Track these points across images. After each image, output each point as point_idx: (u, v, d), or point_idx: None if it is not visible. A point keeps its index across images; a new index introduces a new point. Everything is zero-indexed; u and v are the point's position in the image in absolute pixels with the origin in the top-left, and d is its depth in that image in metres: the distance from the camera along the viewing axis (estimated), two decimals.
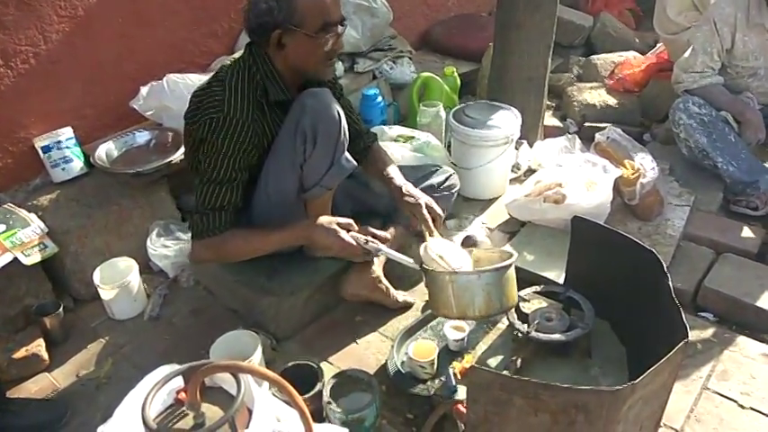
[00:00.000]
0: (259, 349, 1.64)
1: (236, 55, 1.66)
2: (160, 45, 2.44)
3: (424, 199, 1.75)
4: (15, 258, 1.85)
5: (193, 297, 2.09)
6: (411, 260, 1.60)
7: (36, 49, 2.11)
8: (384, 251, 1.64)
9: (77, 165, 2.17)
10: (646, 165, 2.16)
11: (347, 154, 1.66)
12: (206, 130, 1.54)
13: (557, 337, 1.58)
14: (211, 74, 2.38)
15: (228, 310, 2.01)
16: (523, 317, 1.64)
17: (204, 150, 1.56)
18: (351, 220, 1.68)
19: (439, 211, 1.75)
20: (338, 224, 1.64)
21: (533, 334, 1.58)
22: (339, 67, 2.74)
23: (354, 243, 1.63)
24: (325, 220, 1.65)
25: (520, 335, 1.64)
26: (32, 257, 1.88)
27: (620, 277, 1.54)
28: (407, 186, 1.79)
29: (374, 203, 1.99)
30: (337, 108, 1.61)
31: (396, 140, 2.47)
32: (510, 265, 1.49)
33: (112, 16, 2.27)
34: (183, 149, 2.15)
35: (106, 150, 2.19)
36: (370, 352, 1.81)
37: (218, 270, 1.96)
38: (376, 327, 1.90)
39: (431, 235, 1.68)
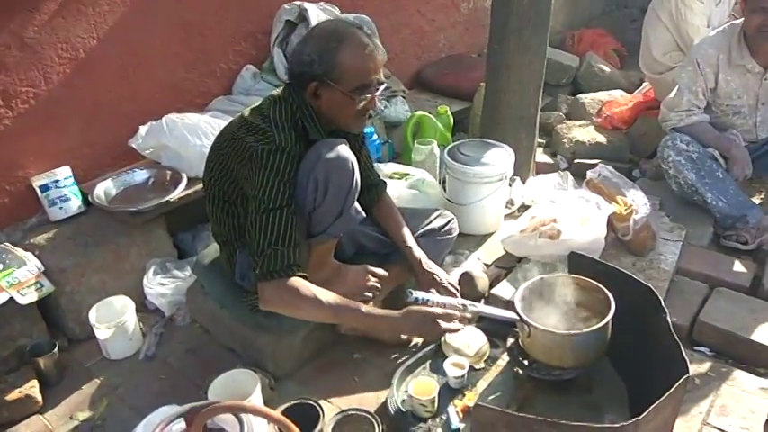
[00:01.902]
0: (258, 388, 1.62)
1: (275, 92, 1.70)
2: (159, 85, 2.49)
3: (443, 276, 1.87)
4: (11, 298, 1.83)
5: (189, 336, 2.07)
6: (512, 314, 1.62)
7: (37, 90, 2.14)
8: (484, 312, 1.67)
9: (75, 203, 2.18)
10: (638, 201, 2.20)
11: (357, 205, 1.69)
12: (257, 159, 1.54)
13: (557, 373, 1.58)
14: (209, 113, 2.47)
15: (225, 348, 1.99)
16: (523, 353, 1.64)
17: (258, 180, 1.54)
18: (447, 303, 1.65)
19: (456, 287, 1.87)
20: (433, 313, 1.58)
21: (534, 372, 1.58)
22: None
23: (452, 327, 1.59)
24: (417, 312, 1.59)
25: (520, 372, 1.64)
26: (28, 297, 1.87)
27: (618, 313, 1.56)
28: (426, 260, 1.88)
29: (372, 244, 2.00)
30: (352, 160, 1.63)
31: (391, 177, 2.50)
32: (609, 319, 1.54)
33: (113, 58, 2.32)
34: (181, 187, 2.20)
35: (104, 189, 2.21)
36: (369, 390, 1.80)
37: (215, 308, 1.95)
38: (375, 364, 1.89)
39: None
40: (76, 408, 1.81)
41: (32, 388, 1.80)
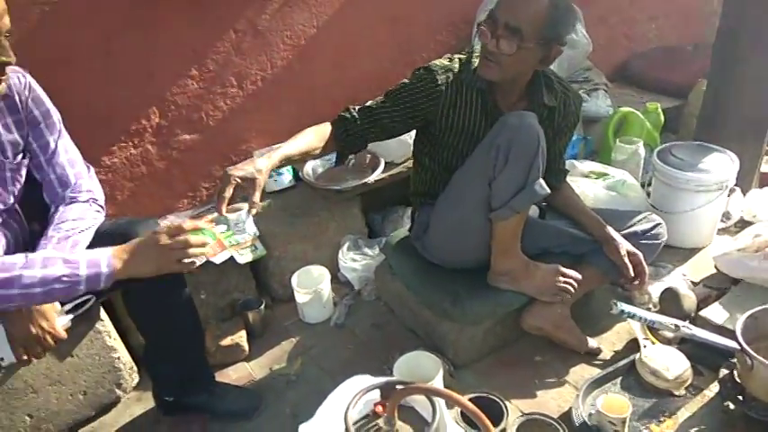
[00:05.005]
0: (441, 373, 1.65)
1: None
2: (365, 74, 2.61)
3: (628, 246, 1.76)
4: (231, 257, 2.08)
5: (375, 311, 2.18)
6: (731, 342, 1.49)
7: (264, 73, 2.38)
8: (699, 336, 1.58)
9: (287, 178, 2.40)
10: None
11: (542, 180, 1.61)
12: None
13: None
14: None
15: (407, 329, 2.06)
16: (739, 388, 1.46)
17: None
18: (657, 321, 1.61)
19: (646, 268, 1.74)
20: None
21: (752, 411, 1.40)
22: None
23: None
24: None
25: (732, 407, 1.46)
26: (245, 257, 2.08)
27: None
28: (609, 227, 1.78)
29: (561, 241, 1.88)
30: (538, 130, 1.57)
31: (587, 176, 2.37)
32: None
33: (328, 46, 2.49)
34: (378, 171, 2.30)
35: (312, 167, 2.39)
36: (550, 396, 1.74)
37: (402, 289, 2.01)
38: (558, 370, 1.82)
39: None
40: (275, 361, 2.00)
41: (241, 338, 2.03)
